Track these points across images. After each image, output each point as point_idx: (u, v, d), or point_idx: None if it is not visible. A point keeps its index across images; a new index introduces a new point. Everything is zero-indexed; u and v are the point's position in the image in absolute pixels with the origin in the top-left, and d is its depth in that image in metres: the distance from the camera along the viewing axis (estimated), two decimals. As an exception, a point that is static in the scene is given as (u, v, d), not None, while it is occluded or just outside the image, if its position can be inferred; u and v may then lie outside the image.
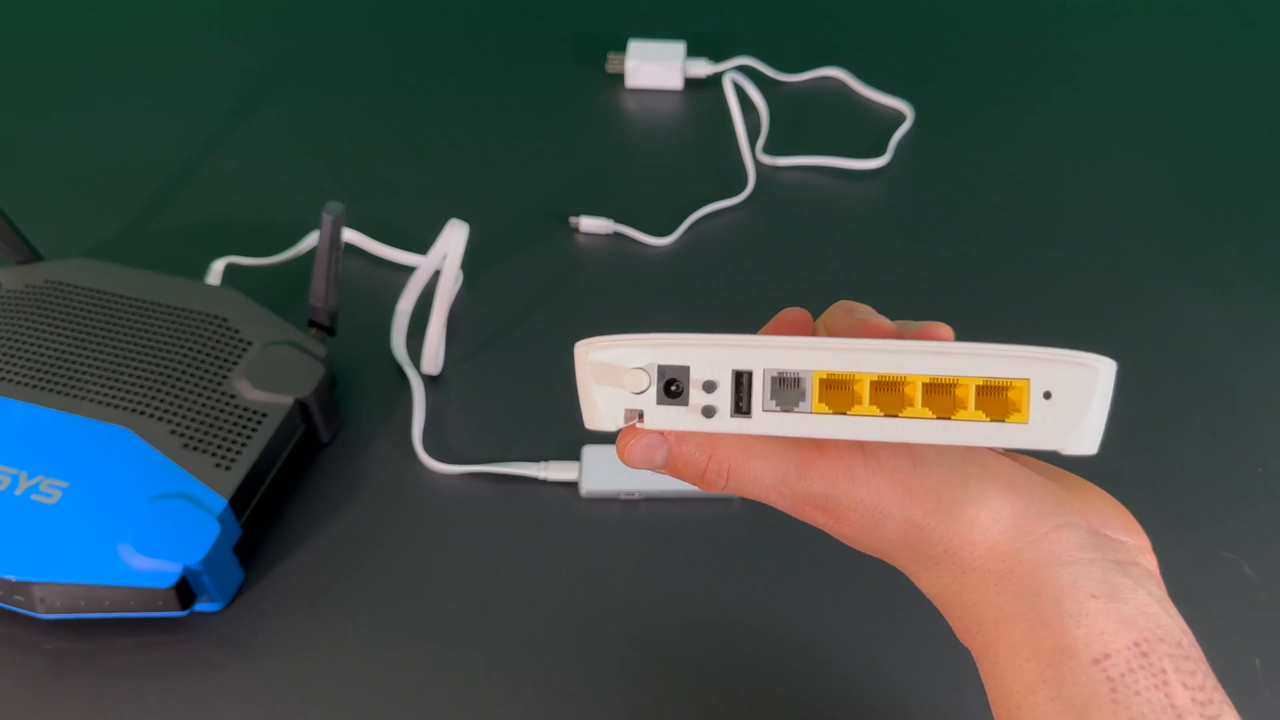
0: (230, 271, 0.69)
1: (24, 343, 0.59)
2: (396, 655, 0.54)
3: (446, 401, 0.64)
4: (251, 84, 0.84)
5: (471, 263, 0.71)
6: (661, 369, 0.32)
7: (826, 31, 0.90)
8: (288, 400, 0.58)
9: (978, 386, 0.31)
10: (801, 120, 0.82)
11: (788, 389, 0.32)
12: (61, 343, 0.59)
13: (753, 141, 0.80)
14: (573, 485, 0.60)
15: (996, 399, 0.31)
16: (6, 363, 0.58)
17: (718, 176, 0.78)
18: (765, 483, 0.33)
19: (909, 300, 0.71)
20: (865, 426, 0.31)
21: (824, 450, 0.33)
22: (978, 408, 0.31)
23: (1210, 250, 0.74)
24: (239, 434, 0.56)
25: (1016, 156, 0.80)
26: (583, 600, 0.56)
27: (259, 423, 0.57)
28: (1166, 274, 0.72)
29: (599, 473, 0.60)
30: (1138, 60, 0.88)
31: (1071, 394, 0.30)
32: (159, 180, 0.77)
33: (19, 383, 0.57)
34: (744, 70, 0.84)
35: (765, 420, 0.32)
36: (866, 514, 0.33)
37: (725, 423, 0.32)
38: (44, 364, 0.58)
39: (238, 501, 0.54)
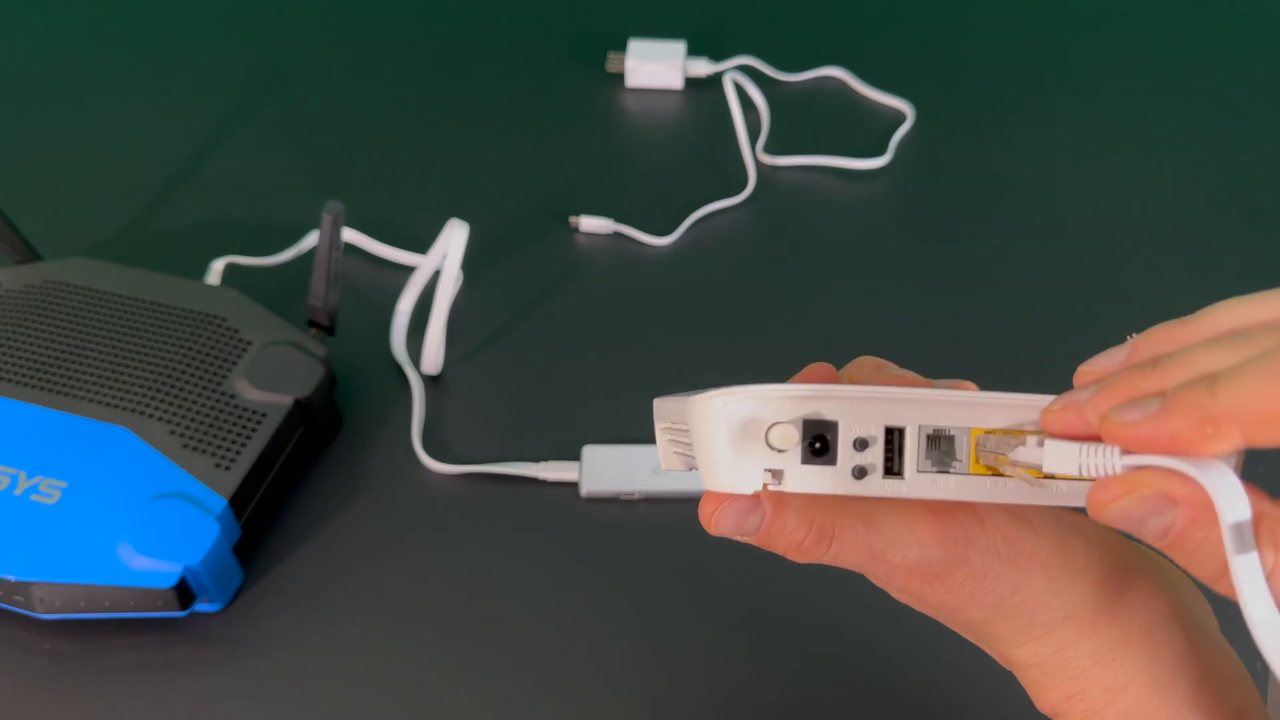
0: (230, 271, 0.69)
1: (23, 342, 0.59)
2: (396, 655, 0.54)
3: (446, 401, 0.64)
4: (251, 83, 0.84)
5: (471, 262, 0.71)
6: (808, 424, 0.29)
7: (827, 31, 0.90)
8: (287, 400, 0.57)
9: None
10: (802, 120, 0.82)
11: (942, 448, 0.29)
12: (61, 342, 0.59)
13: (753, 141, 0.80)
14: (573, 485, 0.60)
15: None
16: (6, 362, 0.58)
17: (718, 176, 0.78)
18: (871, 550, 0.30)
19: (909, 301, 0.70)
20: (1022, 491, 0.29)
21: (937, 514, 0.31)
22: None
23: (1211, 249, 0.74)
24: (239, 434, 0.56)
25: (1017, 156, 0.80)
26: (582, 600, 0.56)
27: (259, 423, 0.57)
28: (1167, 273, 0.72)
29: (599, 473, 0.60)
30: (1138, 60, 0.88)
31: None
32: (159, 180, 0.77)
33: (18, 382, 0.57)
34: (744, 70, 0.84)
35: (918, 482, 0.29)
36: (979, 581, 0.31)
37: (877, 485, 0.29)
38: (43, 364, 0.58)
39: (237, 501, 0.54)
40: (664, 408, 0.35)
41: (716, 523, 0.30)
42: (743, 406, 0.28)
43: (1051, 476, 0.28)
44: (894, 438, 0.29)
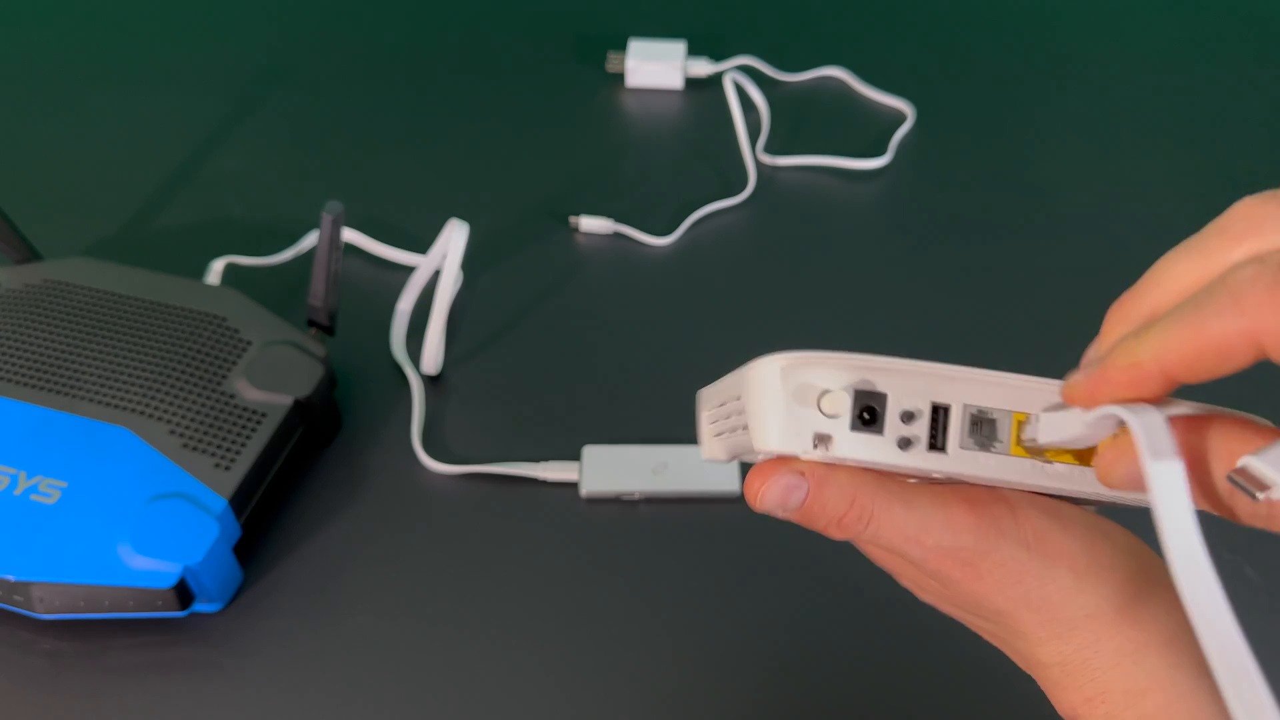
0: (230, 271, 0.69)
1: (23, 342, 0.59)
2: (396, 655, 0.54)
3: (446, 401, 0.64)
4: (252, 83, 0.84)
5: (471, 262, 0.71)
6: (859, 394, 0.30)
7: (827, 31, 0.90)
8: (287, 400, 0.57)
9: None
10: (802, 120, 0.82)
11: (984, 429, 0.30)
12: (61, 342, 0.59)
13: (753, 141, 0.80)
14: (573, 485, 0.60)
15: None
16: (6, 362, 0.58)
17: (718, 176, 0.78)
18: (907, 532, 0.31)
19: (909, 300, 0.70)
20: (1060, 476, 0.30)
21: (972, 503, 0.32)
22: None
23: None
24: (238, 434, 0.56)
25: (1017, 156, 0.80)
26: (582, 600, 0.56)
27: (258, 423, 0.57)
28: (1167, 274, 0.72)
29: (599, 473, 0.60)
30: (1138, 60, 0.88)
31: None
32: (159, 180, 0.77)
33: (18, 382, 0.57)
34: (744, 70, 0.84)
35: (960, 458, 0.30)
36: (1007, 571, 0.32)
37: (920, 457, 0.30)
38: (43, 364, 0.58)
39: (237, 501, 0.54)
40: (709, 393, 0.36)
41: (763, 497, 0.31)
42: (798, 371, 0.30)
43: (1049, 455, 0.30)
44: (939, 415, 0.30)
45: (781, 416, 0.30)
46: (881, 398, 0.30)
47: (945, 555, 0.31)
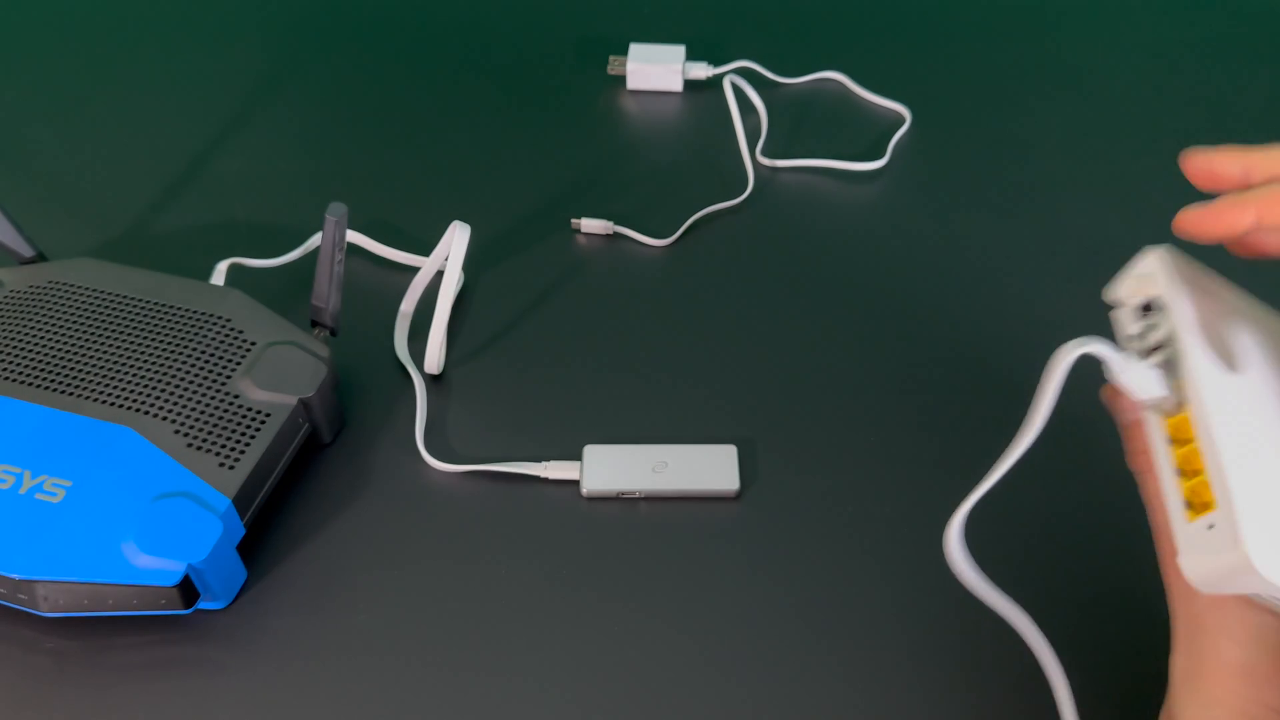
0: (234, 272, 0.70)
1: (28, 343, 0.60)
2: (398, 654, 0.54)
3: (448, 401, 0.65)
4: (255, 84, 0.85)
5: (473, 263, 0.72)
6: (1158, 297, 0.40)
7: (825, 35, 0.90)
8: (291, 400, 0.58)
9: (1200, 480, 0.36)
10: (801, 122, 0.83)
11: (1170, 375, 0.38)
12: (65, 343, 0.60)
13: (752, 143, 0.80)
14: (574, 484, 0.60)
15: (1199, 496, 0.36)
16: (10, 362, 0.59)
17: (718, 178, 0.79)
18: (1152, 492, 0.40)
19: (908, 300, 0.71)
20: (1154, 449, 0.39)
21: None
22: (1192, 488, 0.36)
23: (1210, 253, 0.74)
24: (242, 434, 0.56)
25: (1015, 158, 0.81)
26: (583, 597, 0.56)
27: (262, 422, 0.57)
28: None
29: (601, 472, 0.60)
30: (1135, 62, 0.88)
31: (1220, 544, 0.34)
32: (163, 181, 0.78)
33: (23, 382, 0.58)
34: (744, 73, 0.85)
35: (1142, 368, 0.39)
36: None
37: (1130, 333, 0.40)
38: (48, 364, 0.59)
39: (241, 500, 0.55)
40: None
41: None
42: (1155, 259, 0.41)
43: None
44: (1174, 346, 0.38)
45: (1123, 276, 0.42)
46: (1162, 311, 0.39)
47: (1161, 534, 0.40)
